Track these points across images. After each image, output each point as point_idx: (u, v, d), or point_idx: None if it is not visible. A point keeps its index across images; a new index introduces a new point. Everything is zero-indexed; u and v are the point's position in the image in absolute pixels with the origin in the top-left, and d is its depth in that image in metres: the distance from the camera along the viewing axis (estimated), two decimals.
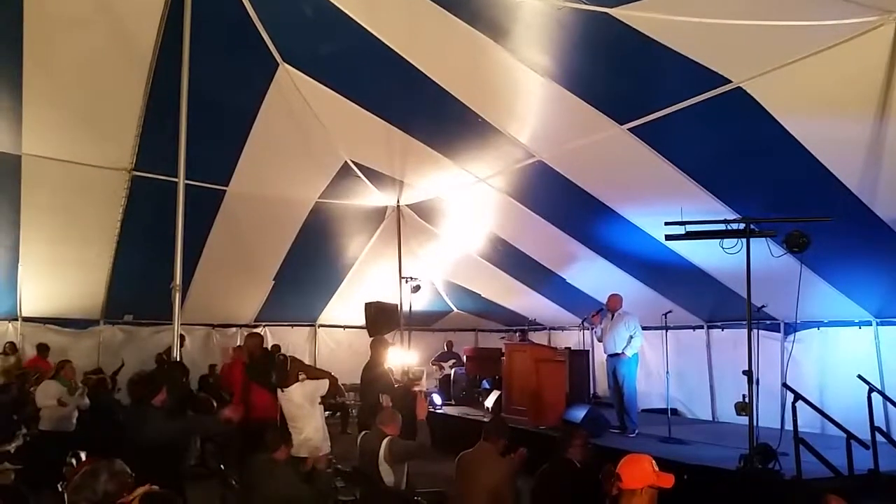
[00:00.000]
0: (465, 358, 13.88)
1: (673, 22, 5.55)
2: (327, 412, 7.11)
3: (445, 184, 10.71)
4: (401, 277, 12.48)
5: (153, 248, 8.19)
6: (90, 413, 8.55)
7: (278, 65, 8.60)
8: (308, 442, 6.17)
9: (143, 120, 8.88)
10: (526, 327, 13.77)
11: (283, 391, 6.36)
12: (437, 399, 12.28)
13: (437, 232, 12.64)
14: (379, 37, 7.34)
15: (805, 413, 6.17)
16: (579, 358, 11.35)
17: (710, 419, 10.80)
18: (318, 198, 11.57)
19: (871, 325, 8.78)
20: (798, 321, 8.67)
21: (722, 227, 6.49)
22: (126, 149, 9.40)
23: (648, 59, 6.17)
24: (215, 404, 10.12)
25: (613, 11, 5.65)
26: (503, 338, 13.25)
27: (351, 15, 7.15)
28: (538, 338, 13.72)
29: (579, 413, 8.70)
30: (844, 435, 5.98)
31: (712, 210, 7.45)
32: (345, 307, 14.37)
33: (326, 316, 14.99)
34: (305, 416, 6.28)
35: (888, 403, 7.40)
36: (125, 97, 8.60)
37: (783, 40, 5.43)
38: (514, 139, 8.47)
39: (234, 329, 14.08)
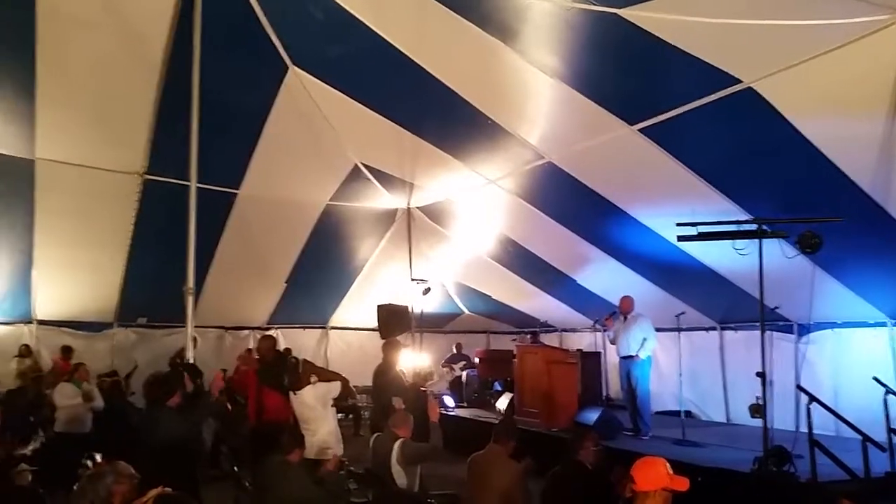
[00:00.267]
0: (476, 360, 13.86)
1: (682, 22, 5.54)
2: (340, 414, 7.12)
3: (455, 186, 10.72)
4: (412, 280, 12.49)
5: (166, 252, 8.24)
6: (105, 415, 8.61)
7: (288, 68, 8.65)
8: (321, 444, 6.18)
9: (155, 124, 8.96)
10: (537, 329, 13.74)
11: (295, 394, 6.38)
12: (449, 401, 12.27)
13: (447, 234, 12.64)
14: (388, 39, 7.36)
15: (819, 415, 6.12)
16: (591, 360, 11.29)
17: (724, 421, 10.73)
18: (329, 200, 11.61)
19: (885, 325, 8.68)
20: (811, 322, 8.63)
21: (734, 227, 6.46)
22: (138, 153, 9.47)
23: (658, 59, 6.16)
24: (229, 407, 10.18)
25: (622, 12, 5.64)
26: (514, 340, 13.22)
27: (360, 17, 7.18)
28: (550, 340, 13.69)
29: (592, 415, 8.67)
30: (860, 437, 5.92)
31: (724, 211, 7.42)
32: (356, 309, 14.39)
33: (338, 318, 15.01)
34: (318, 419, 6.29)
35: None
36: (137, 101, 8.67)
37: (793, 40, 5.40)
38: (523, 140, 8.46)
39: (246, 331, 14.12)
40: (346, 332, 15.16)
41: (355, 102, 8.86)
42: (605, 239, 10.04)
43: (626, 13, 5.64)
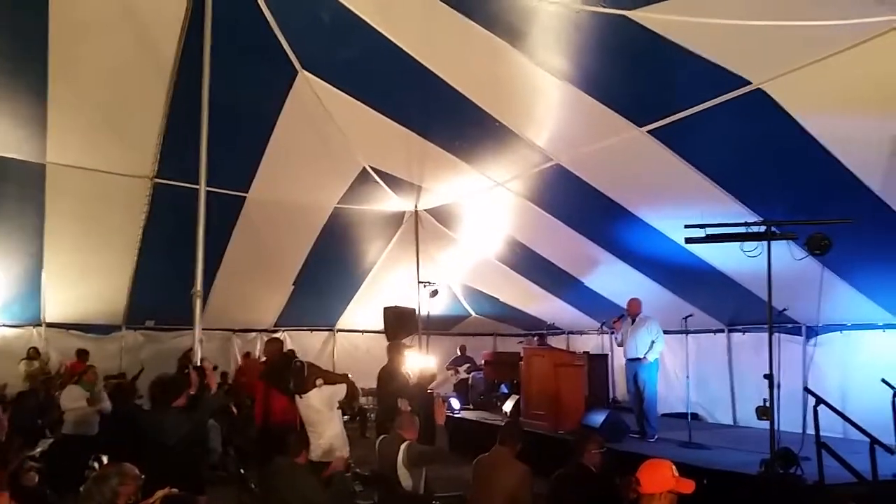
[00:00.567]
0: (483, 362, 13.87)
1: (691, 23, 5.53)
2: (345, 417, 7.14)
3: (463, 188, 10.73)
4: (419, 282, 12.51)
5: (174, 255, 8.28)
6: (112, 417, 8.65)
7: (297, 72, 8.68)
8: (328, 446, 6.19)
9: (165, 128, 9.01)
10: (544, 331, 13.73)
11: (300, 397, 6.39)
12: (455, 403, 12.28)
13: (454, 236, 12.66)
14: (397, 42, 7.38)
15: (827, 417, 6.07)
16: (598, 362, 11.31)
17: (731, 423, 10.70)
18: (337, 203, 11.65)
19: (894, 327, 8.64)
20: (820, 324, 8.60)
21: (742, 229, 6.42)
22: (148, 157, 9.53)
23: (666, 61, 6.15)
24: (235, 411, 10.23)
25: (631, 14, 5.64)
26: (521, 342, 13.23)
27: (369, 21, 7.20)
28: (557, 342, 13.69)
29: (599, 418, 8.65)
30: (868, 439, 5.87)
31: (733, 212, 7.39)
32: (363, 312, 14.44)
33: (345, 321, 15.07)
34: (324, 421, 6.30)
35: None
36: (147, 106, 8.73)
37: (803, 41, 5.39)
38: (531, 143, 8.47)
39: (254, 334, 14.19)
40: (353, 335, 15.22)
41: (364, 106, 8.88)
42: (612, 241, 10.03)
43: (635, 15, 5.64)
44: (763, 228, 6.31)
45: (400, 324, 10.87)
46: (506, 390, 12.63)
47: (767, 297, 6.32)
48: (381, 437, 5.99)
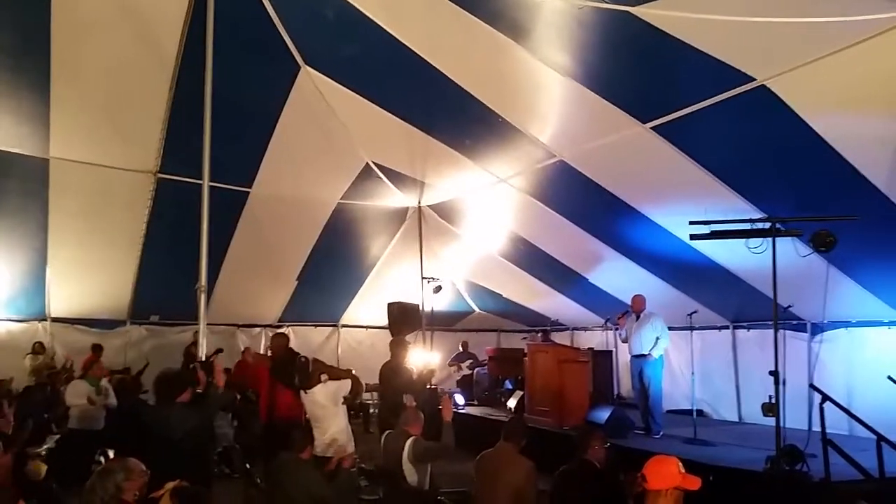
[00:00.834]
0: (487, 358, 13.87)
1: (695, 20, 5.51)
2: (350, 412, 7.17)
3: (466, 184, 10.72)
4: (422, 278, 12.51)
5: (178, 250, 8.30)
6: (117, 412, 8.67)
7: (300, 67, 8.68)
8: (333, 442, 6.20)
9: (168, 123, 9.02)
10: (548, 328, 13.73)
11: (306, 392, 6.40)
12: (459, 399, 12.29)
13: (458, 232, 12.65)
14: (399, 38, 7.37)
15: (833, 414, 6.07)
16: (603, 358, 11.28)
17: (737, 420, 10.68)
18: (340, 199, 11.66)
19: None
20: (825, 321, 8.57)
21: (747, 226, 6.41)
22: (151, 152, 9.54)
23: (670, 57, 6.13)
24: (238, 396, 10.21)
25: (635, 10, 5.62)
26: (525, 338, 13.23)
27: (372, 17, 7.20)
28: (561, 338, 13.67)
29: (603, 414, 8.65)
30: (874, 436, 5.87)
31: (737, 209, 7.38)
32: (367, 307, 14.44)
33: (349, 316, 15.07)
34: (329, 417, 6.30)
35: None
36: (150, 101, 8.73)
37: (808, 37, 5.37)
38: (534, 139, 8.45)
39: (258, 329, 14.21)
40: (357, 330, 15.23)
41: (367, 101, 8.88)
42: (617, 237, 10.01)
43: (639, 11, 5.62)
44: (768, 225, 6.30)
45: (404, 319, 10.86)
46: (510, 386, 12.65)
47: (772, 294, 6.31)
48: (387, 432, 5.99)
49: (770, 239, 6.24)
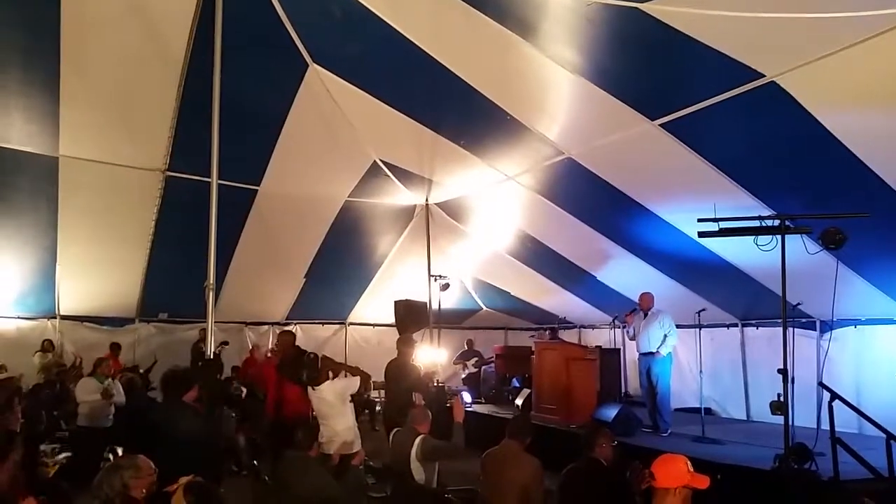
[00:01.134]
0: (493, 356, 13.88)
1: (704, 16, 5.48)
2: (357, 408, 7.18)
3: (474, 182, 10.71)
4: (430, 275, 12.51)
5: (187, 248, 8.32)
6: (126, 410, 8.71)
7: (308, 65, 8.68)
8: (339, 439, 6.21)
9: (177, 121, 9.03)
10: (556, 325, 13.71)
11: (314, 389, 6.41)
12: (466, 397, 12.30)
13: (465, 230, 12.65)
14: (407, 36, 7.36)
15: (842, 413, 6.04)
16: (610, 356, 11.27)
17: (745, 418, 10.65)
18: (348, 196, 11.67)
19: None
20: (834, 319, 8.52)
21: (756, 223, 6.37)
22: (160, 150, 9.56)
23: (679, 53, 6.10)
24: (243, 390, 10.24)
25: (643, 6, 5.59)
26: (533, 336, 13.23)
27: (379, 14, 7.19)
28: (568, 336, 13.64)
29: (611, 412, 8.64)
30: (884, 435, 5.84)
31: (746, 206, 7.33)
32: (374, 305, 14.46)
33: (356, 314, 15.10)
34: (336, 414, 6.32)
35: None
36: (159, 99, 8.76)
37: (817, 33, 5.33)
38: (542, 136, 8.44)
39: (266, 326, 14.26)
40: (365, 328, 15.25)
41: (374, 99, 8.88)
42: (625, 235, 9.99)
43: (648, 7, 5.59)
44: (777, 222, 6.25)
45: (411, 317, 10.89)
46: (517, 384, 12.64)
47: (781, 292, 6.28)
48: (395, 430, 6.00)
49: (779, 236, 6.20)
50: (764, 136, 6.81)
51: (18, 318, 12.07)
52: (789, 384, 6.15)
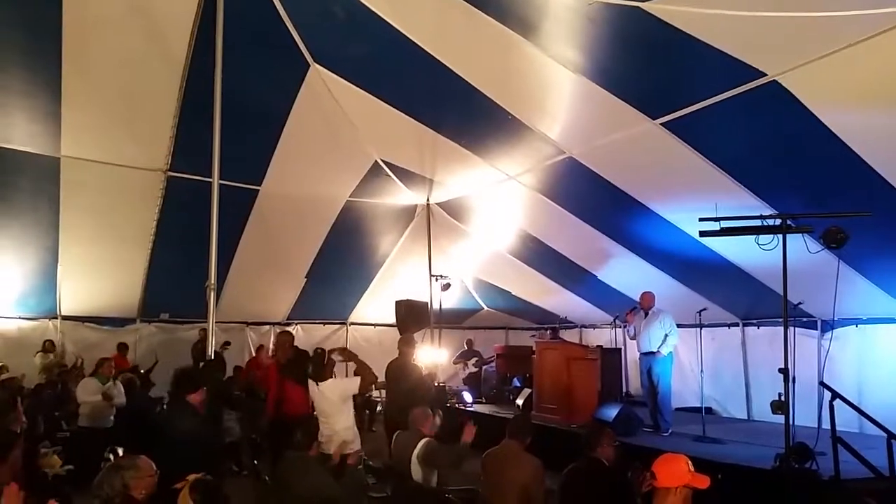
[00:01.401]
0: (493, 355, 13.88)
1: (706, 15, 5.48)
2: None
3: (475, 182, 10.71)
4: (431, 275, 12.52)
5: (188, 248, 8.32)
6: (126, 410, 8.72)
7: (309, 65, 8.68)
8: (338, 437, 6.21)
9: (178, 121, 9.04)
10: (557, 325, 13.71)
11: (317, 386, 6.40)
12: (467, 397, 12.30)
13: (466, 230, 12.65)
14: (408, 35, 7.36)
15: (843, 412, 6.04)
16: (611, 356, 11.26)
17: (746, 418, 10.66)
18: (349, 196, 11.68)
19: None
20: (835, 318, 8.51)
21: (758, 222, 6.36)
22: (161, 150, 9.57)
23: (681, 52, 6.09)
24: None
25: (645, 5, 5.59)
26: (534, 336, 13.23)
27: (381, 14, 7.19)
28: (569, 336, 13.64)
29: (611, 412, 8.63)
30: (885, 434, 5.83)
31: (748, 205, 7.33)
32: (376, 305, 14.47)
33: (358, 314, 15.11)
34: (336, 413, 6.32)
35: None
36: (160, 99, 8.76)
37: (819, 32, 5.32)
38: (544, 136, 8.43)
39: (267, 327, 14.26)
40: (366, 328, 15.26)
41: (375, 99, 8.88)
42: (626, 234, 9.98)
43: (650, 6, 5.58)
44: (778, 221, 6.25)
45: (412, 317, 10.90)
46: (518, 384, 12.64)
47: (783, 291, 6.27)
48: (398, 432, 6.00)
49: (780, 235, 6.20)
50: (765, 135, 6.80)
51: (20, 318, 12.09)
52: (790, 383, 6.15)
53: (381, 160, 10.86)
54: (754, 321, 10.72)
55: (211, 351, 6.92)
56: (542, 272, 12.59)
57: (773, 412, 6.30)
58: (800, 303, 7.63)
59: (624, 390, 11.75)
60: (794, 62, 5.73)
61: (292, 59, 8.50)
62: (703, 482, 3.32)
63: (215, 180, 6.90)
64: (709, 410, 9.91)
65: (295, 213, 11.52)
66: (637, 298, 9.28)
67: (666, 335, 8.76)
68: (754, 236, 6.37)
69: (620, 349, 11.53)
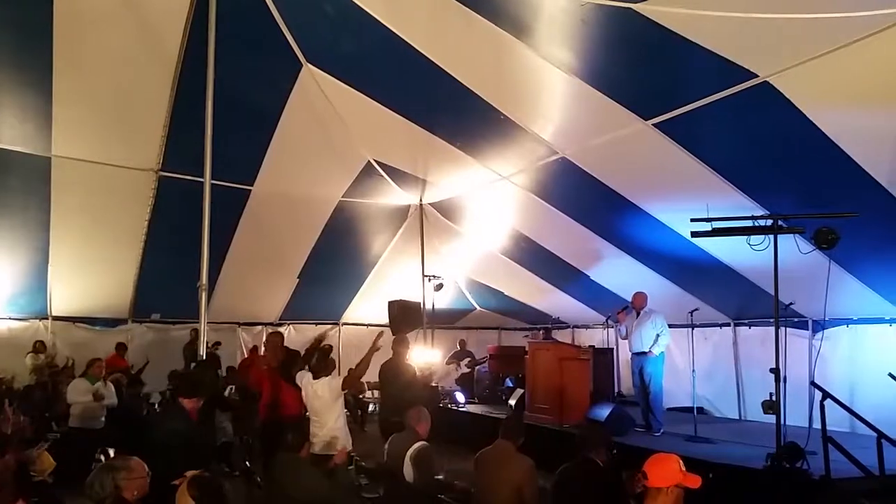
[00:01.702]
0: (486, 356, 13.88)
1: (697, 16, 5.50)
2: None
3: (468, 182, 10.71)
4: (423, 275, 12.51)
5: (180, 248, 8.31)
6: (117, 410, 8.68)
7: (302, 65, 8.67)
8: (329, 439, 6.19)
9: (170, 121, 9.01)
10: (549, 325, 13.72)
11: (311, 384, 6.38)
12: (460, 397, 12.30)
13: (459, 230, 12.65)
14: (401, 35, 7.36)
15: (834, 412, 6.07)
16: (604, 356, 11.24)
17: (737, 418, 10.69)
18: (342, 197, 11.66)
19: None
20: (826, 318, 8.56)
21: (749, 223, 6.38)
22: (153, 150, 9.54)
23: (673, 53, 6.11)
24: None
25: (637, 7, 5.60)
26: (526, 336, 13.23)
27: (373, 14, 7.18)
28: (562, 336, 13.67)
29: (604, 411, 8.64)
30: (875, 434, 5.86)
31: (739, 206, 7.35)
32: (368, 305, 14.44)
33: (350, 314, 15.08)
34: (327, 412, 6.30)
35: None
36: (152, 98, 8.73)
37: (810, 33, 5.35)
38: (536, 136, 8.44)
39: (259, 327, 14.22)
40: (359, 328, 15.23)
41: (368, 99, 8.87)
42: (618, 235, 10.00)
43: (641, 8, 5.60)
44: (770, 222, 6.27)
45: (405, 317, 10.86)
46: (511, 384, 12.65)
47: (774, 291, 6.30)
48: (393, 435, 5.98)
49: (772, 236, 6.22)
50: (757, 136, 6.82)
51: (10, 318, 12.03)
52: (781, 383, 6.17)
53: (374, 160, 10.85)
54: (746, 321, 10.76)
55: (203, 351, 6.90)
56: (535, 272, 12.60)
57: (765, 412, 6.34)
58: (791, 303, 7.67)
59: (616, 390, 11.76)
60: (785, 63, 5.76)
61: (285, 58, 8.49)
62: (695, 482, 3.33)
63: (207, 180, 6.88)
64: (700, 410, 9.94)
65: (287, 213, 11.50)
66: (629, 299, 9.30)
67: (658, 335, 8.78)
68: (746, 237, 6.39)
69: (612, 349, 11.54)
